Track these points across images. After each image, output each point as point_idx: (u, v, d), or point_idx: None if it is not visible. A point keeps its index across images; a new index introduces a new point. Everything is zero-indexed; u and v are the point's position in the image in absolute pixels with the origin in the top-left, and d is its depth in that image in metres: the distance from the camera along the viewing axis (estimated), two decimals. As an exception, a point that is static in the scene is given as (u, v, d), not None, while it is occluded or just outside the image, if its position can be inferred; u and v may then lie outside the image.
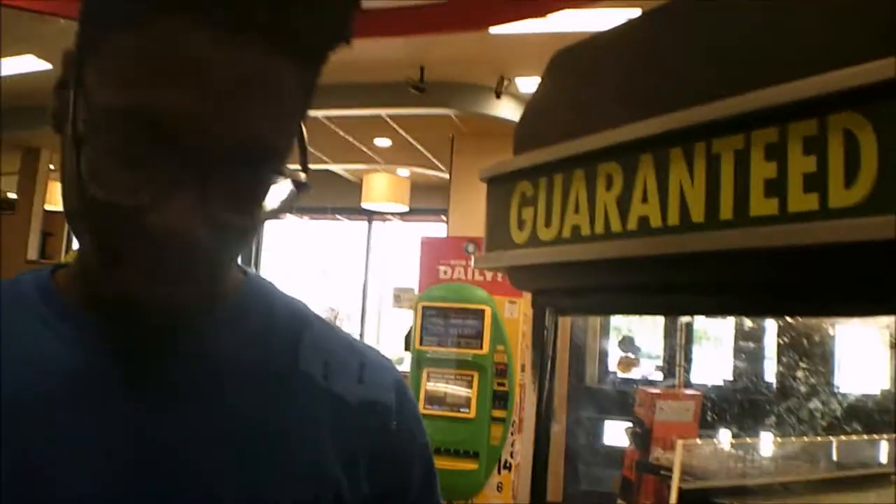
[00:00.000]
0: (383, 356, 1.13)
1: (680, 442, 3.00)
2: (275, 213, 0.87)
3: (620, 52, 1.99)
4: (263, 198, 0.86)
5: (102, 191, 0.78)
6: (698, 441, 3.64)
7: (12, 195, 14.19)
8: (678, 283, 1.71)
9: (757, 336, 6.35)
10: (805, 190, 1.37)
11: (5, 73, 9.55)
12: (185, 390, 0.93)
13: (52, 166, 13.39)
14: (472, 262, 9.00)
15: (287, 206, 0.87)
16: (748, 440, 3.63)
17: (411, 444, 1.09)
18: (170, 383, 0.93)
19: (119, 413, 0.89)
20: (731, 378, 8.01)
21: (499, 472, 8.24)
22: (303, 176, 0.87)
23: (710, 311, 2.69)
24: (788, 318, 4.73)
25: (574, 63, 2.13)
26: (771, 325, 5.93)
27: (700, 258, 1.58)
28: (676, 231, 1.61)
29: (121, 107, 0.76)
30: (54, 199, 14.06)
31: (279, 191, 0.86)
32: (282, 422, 0.97)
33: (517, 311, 8.59)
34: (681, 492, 2.73)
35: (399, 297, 11.18)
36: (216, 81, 0.76)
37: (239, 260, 1.00)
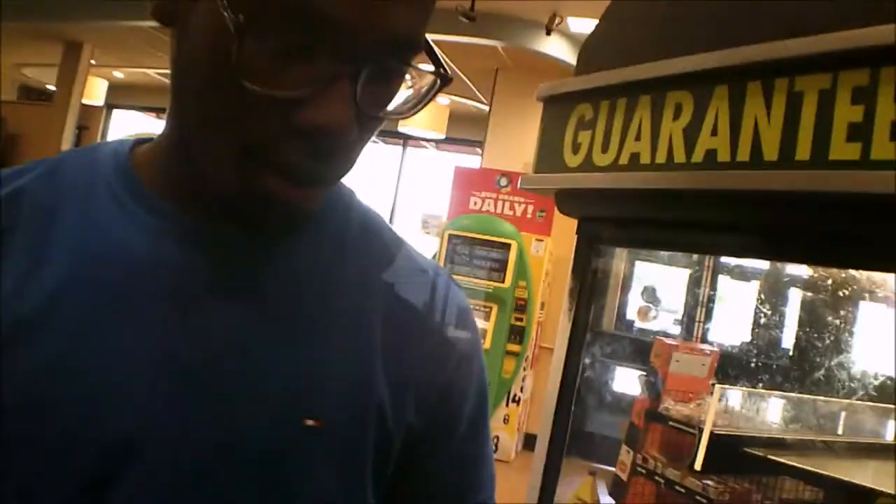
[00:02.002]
0: (459, 290, 1.09)
1: (718, 386, 2.95)
2: (410, 109, 0.85)
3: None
4: (396, 94, 0.84)
5: (257, 84, 0.74)
6: (726, 386, 3.61)
7: (51, 86, 14.20)
8: (738, 223, 1.66)
9: (780, 303, 6.28)
10: (892, 138, 1.31)
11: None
12: (251, 301, 0.89)
13: (92, 60, 13.37)
14: (503, 193, 8.96)
15: (423, 101, 0.85)
16: (766, 393, 3.61)
17: (468, 382, 1.05)
18: (246, 283, 0.90)
19: (188, 307, 0.86)
20: (749, 340, 7.97)
21: (507, 405, 8.27)
22: (442, 70, 0.85)
23: (767, 255, 2.63)
24: (813, 292, 4.69)
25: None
26: (795, 296, 5.86)
27: (768, 197, 1.52)
28: (746, 167, 1.55)
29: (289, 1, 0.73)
30: (91, 93, 14.05)
31: (420, 84, 0.85)
32: (342, 334, 0.92)
33: (543, 250, 8.57)
34: (712, 436, 2.71)
35: (426, 223, 11.17)
36: None
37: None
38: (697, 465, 2.88)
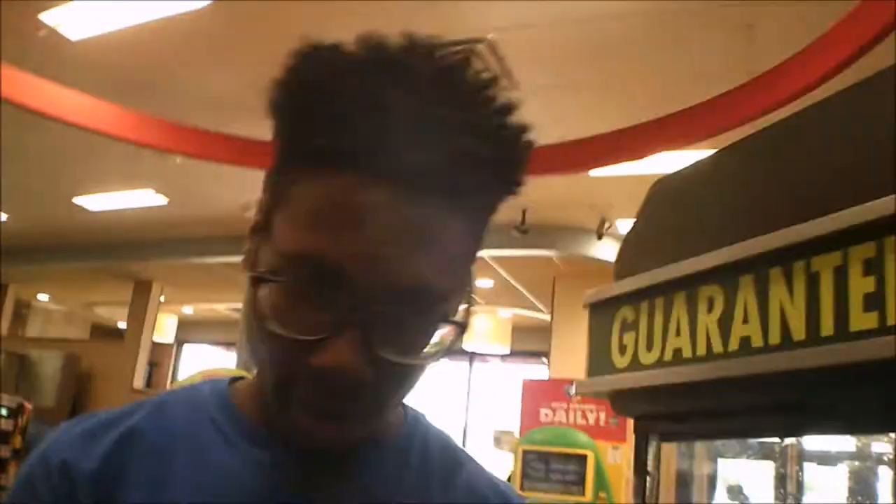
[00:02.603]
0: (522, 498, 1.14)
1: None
2: (440, 355, 0.88)
3: (715, 180, 2.04)
4: (429, 339, 0.87)
5: (277, 326, 0.82)
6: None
7: (122, 324, 14.65)
8: (782, 404, 1.71)
9: (869, 485, 6.09)
10: (905, 305, 1.38)
11: (124, 205, 10.00)
12: None
13: (162, 298, 13.81)
14: (574, 402, 8.90)
15: (450, 348, 0.88)
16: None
17: None
18: None
19: None
20: (846, 529, 7.67)
21: None
22: (464, 318, 0.88)
23: (815, 430, 2.64)
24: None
25: (671, 191, 2.19)
26: (885, 474, 5.69)
27: (802, 375, 1.58)
28: (778, 349, 1.62)
29: (297, 251, 0.81)
30: (162, 330, 14.43)
31: (444, 333, 0.87)
32: None
33: (620, 457, 8.40)
34: None
35: (499, 440, 11.07)
36: (385, 229, 0.79)
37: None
38: None
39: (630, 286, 2.09)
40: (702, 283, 1.86)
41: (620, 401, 2.17)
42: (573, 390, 8.89)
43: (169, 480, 0.92)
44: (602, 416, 8.77)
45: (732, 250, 1.77)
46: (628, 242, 2.27)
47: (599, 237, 9.24)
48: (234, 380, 1.06)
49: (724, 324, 1.78)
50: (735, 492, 8.89)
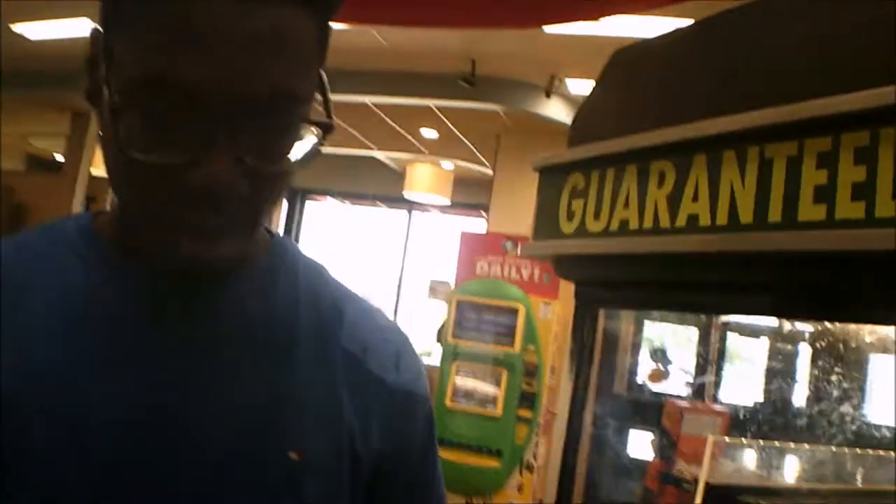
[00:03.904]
0: (411, 344, 1.16)
1: (710, 438, 3.02)
2: (305, 160, 0.90)
3: (677, 55, 2.04)
4: (293, 144, 0.89)
5: (142, 154, 0.81)
6: (726, 439, 3.66)
7: (59, 157, 14.36)
8: (721, 282, 1.76)
9: (789, 360, 6.31)
10: (853, 198, 1.41)
11: (61, 34, 9.70)
12: (211, 344, 0.97)
13: (100, 132, 13.46)
14: (510, 257, 9.02)
15: (315, 151, 0.90)
16: (774, 443, 3.64)
17: (419, 413, 1.12)
18: (198, 337, 0.96)
19: (146, 359, 0.93)
20: (761, 400, 7.95)
21: (520, 474, 8.23)
22: (326, 120, 0.89)
23: (748, 311, 2.73)
24: (822, 344, 4.74)
25: (632, 63, 2.18)
26: (804, 350, 5.90)
27: (745, 259, 1.62)
28: (725, 230, 1.66)
29: (147, 75, 0.79)
30: (99, 163, 14.22)
31: (307, 139, 0.90)
32: (304, 382, 1.00)
33: (551, 313, 8.57)
34: (707, 486, 2.78)
35: (434, 290, 11.22)
36: (232, 39, 0.79)
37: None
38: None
39: (583, 154, 2.10)
40: (655, 158, 1.88)
41: (564, 265, 2.21)
42: (509, 245, 9.02)
43: (25, 304, 0.93)
44: (536, 272, 8.90)
45: (688, 128, 1.78)
46: (584, 109, 2.27)
47: (548, 95, 9.19)
48: (98, 213, 1.06)
49: (674, 200, 1.80)
50: (658, 355, 9.17)
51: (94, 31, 0.91)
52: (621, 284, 2.05)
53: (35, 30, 9.81)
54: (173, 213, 0.85)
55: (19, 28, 9.78)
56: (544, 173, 2.23)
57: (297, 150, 0.90)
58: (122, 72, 0.83)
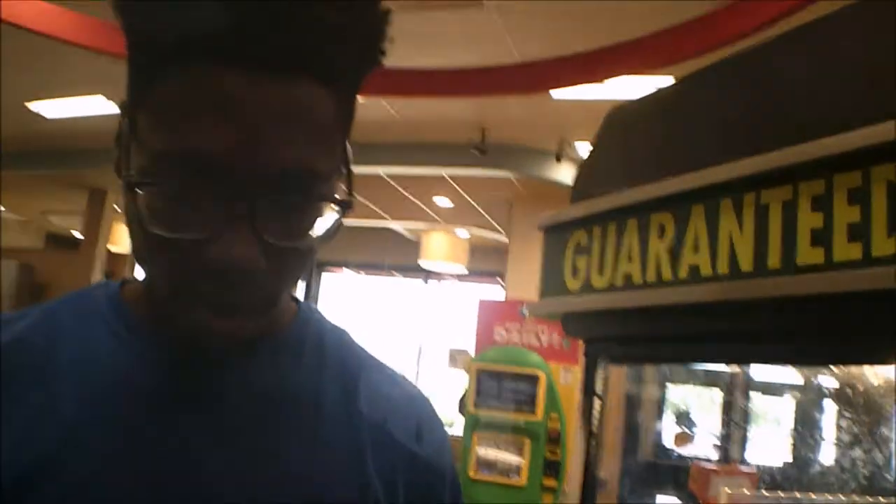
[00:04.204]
0: (435, 412, 1.15)
1: (725, 489, 2.97)
2: (326, 236, 0.90)
3: (669, 110, 2.06)
4: (314, 221, 0.89)
5: (162, 229, 0.82)
6: (746, 492, 3.60)
7: (77, 234, 14.51)
8: (726, 331, 1.75)
9: (814, 416, 6.24)
10: (850, 239, 1.42)
11: (77, 113, 9.83)
12: (239, 415, 0.97)
13: (116, 207, 13.66)
14: (528, 323, 8.98)
15: (336, 228, 0.89)
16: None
17: (437, 485, 1.11)
18: (226, 406, 0.96)
19: (175, 431, 0.93)
20: (789, 458, 7.84)
21: (548, 543, 8.09)
22: (345, 198, 0.89)
23: (757, 359, 2.71)
24: (848, 403, 4.70)
25: (627, 119, 2.20)
26: (830, 407, 5.83)
27: (748, 306, 1.62)
28: (726, 279, 1.66)
29: (169, 150, 0.80)
30: (117, 240, 14.36)
31: (329, 214, 0.89)
32: (329, 443, 1.00)
33: (572, 379, 8.49)
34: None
35: (454, 358, 11.17)
36: (254, 116, 0.79)
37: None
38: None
39: (584, 210, 2.11)
40: (654, 211, 1.88)
41: (571, 323, 2.21)
42: (527, 311, 8.99)
43: (55, 377, 0.93)
44: (555, 337, 8.85)
45: (684, 179, 1.79)
46: (584, 168, 2.29)
47: (558, 159, 9.24)
48: (126, 282, 1.06)
49: (675, 251, 1.81)
50: (683, 417, 9.06)
51: (122, 103, 0.92)
52: (628, 338, 2.05)
53: (51, 108, 9.96)
54: (194, 288, 0.85)
55: (36, 106, 9.94)
56: (548, 232, 2.24)
57: (320, 226, 0.90)
58: (144, 145, 0.84)
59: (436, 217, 12.72)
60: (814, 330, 1.57)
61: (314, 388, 1.03)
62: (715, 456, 7.02)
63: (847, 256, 1.41)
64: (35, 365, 0.94)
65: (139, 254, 0.91)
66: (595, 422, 2.13)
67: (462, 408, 8.76)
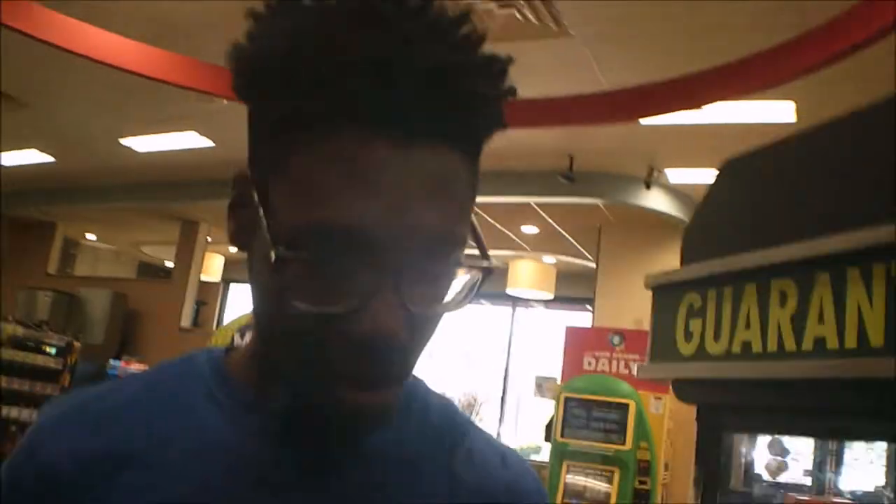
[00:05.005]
0: (533, 474, 1.12)
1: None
2: (461, 302, 0.88)
3: (792, 164, 1.98)
4: (449, 288, 0.87)
5: (305, 303, 0.80)
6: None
7: (169, 263, 14.83)
8: (851, 408, 1.67)
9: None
10: None
11: (170, 147, 10.06)
12: (355, 489, 0.95)
13: (209, 238, 13.93)
14: (617, 352, 8.89)
15: (472, 293, 0.88)
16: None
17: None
18: (340, 481, 0.94)
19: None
20: (883, 484, 7.62)
21: (636, 574, 7.97)
22: (485, 262, 0.87)
23: (883, 438, 2.61)
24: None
25: (746, 172, 2.12)
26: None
27: (877, 384, 1.54)
28: (853, 354, 1.58)
29: (312, 222, 0.78)
30: (209, 270, 14.60)
31: (465, 278, 0.87)
32: None
33: (662, 408, 8.39)
34: None
35: (541, 386, 11.11)
36: (403, 185, 0.78)
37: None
38: None
39: (698, 272, 2.05)
40: (774, 276, 1.81)
41: (684, 389, 2.14)
42: (616, 339, 8.90)
43: (165, 459, 0.92)
44: (645, 366, 8.72)
45: (809, 245, 1.72)
46: (696, 223, 2.22)
47: (647, 186, 9.15)
48: (228, 349, 1.05)
49: (798, 321, 1.73)
50: (776, 445, 8.88)
51: (239, 174, 0.90)
52: (744, 409, 1.97)
53: (142, 143, 10.23)
54: (335, 363, 0.83)
55: (127, 142, 10.18)
56: (658, 291, 2.17)
57: (451, 292, 0.88)
58: (282, 219, 0.82)
59: (523, 245, 12.69)
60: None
61: (421, 457, 1.01)
62: (808, 483, 6.83)
63: None
64: (143, 439, 0.93)
65: (266, 326, 0.91)
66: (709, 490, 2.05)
67: (548, 435, 8.71)
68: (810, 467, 7.47)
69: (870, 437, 2.48)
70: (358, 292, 0.80)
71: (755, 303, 1.85)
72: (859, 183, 1.75)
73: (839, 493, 5.97)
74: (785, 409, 1.87)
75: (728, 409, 2.04)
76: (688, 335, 2.03)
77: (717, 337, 1.94)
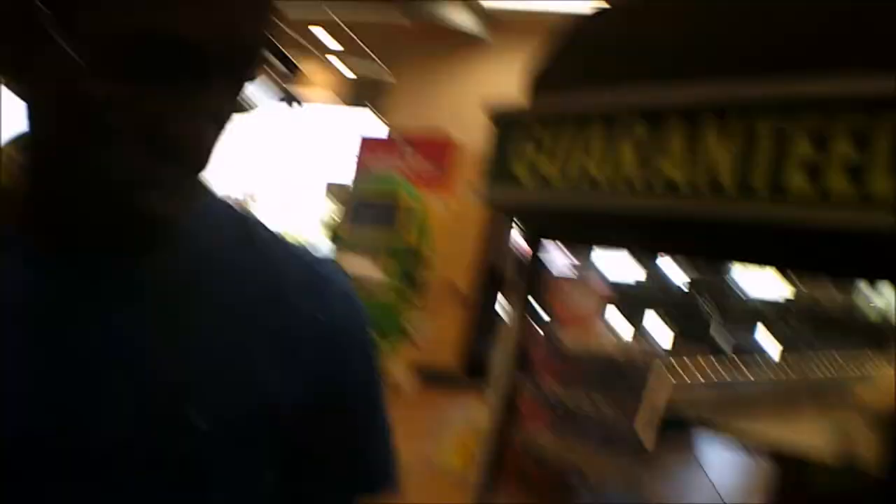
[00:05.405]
0: (340, 271, 1.10)
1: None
2: (259, 106, 0.89)
3: (650, 15, 1.99)
4: (247, 91, 0.87)
5: (115, 111, 0.79)
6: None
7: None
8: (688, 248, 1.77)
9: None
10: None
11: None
12: (138, 295, 0.93)
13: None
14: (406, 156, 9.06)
15: (272, 97, 0.90)
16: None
17: (358, 361, 1.07)
18: (122, 307, 0.91)
19: (65, 340, 0.88)
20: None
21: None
22: (282, 66, 0.88)
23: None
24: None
25: (605, 20, 2.13)
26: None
27: (728, 226, 1.64)
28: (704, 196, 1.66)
29: (138, 30, 0.77)
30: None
31: (258, 84, 0.88)
32: (226, 335, 0.97)
33: (446, 208, 8.70)
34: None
35: (332, 192, 11.17)
36: None
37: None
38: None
39: (546, 107, 2.08)
40: (625, 116, 1.86)
41: (524, 215, 2.19)
42: (409, 149, 8.93)
43: None
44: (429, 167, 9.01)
45: (662, 92, 1.77)
46: (546, 59, 2.22)
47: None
48: None
49: (646, 161, 1.79)
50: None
51: None
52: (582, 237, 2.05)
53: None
54: (139, 169, 0.81)
55: None
56: (499, 122, 2.19)
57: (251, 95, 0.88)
58: (82, 32, 0.78)
59: (320, 51, 12.45)
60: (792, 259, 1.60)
61: (207, 274, 0.98)
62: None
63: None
64: None
65: (59, 146, 0.86)
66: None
67: (332, 234, 9.00)
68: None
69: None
70: (169, 99, 0.79)
71: (601, 138, 1.89)
72: (712, 32, 1.80)
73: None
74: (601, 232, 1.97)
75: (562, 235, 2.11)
76: (530, 166, 2.06)
77: (556, 166, 1.98)
